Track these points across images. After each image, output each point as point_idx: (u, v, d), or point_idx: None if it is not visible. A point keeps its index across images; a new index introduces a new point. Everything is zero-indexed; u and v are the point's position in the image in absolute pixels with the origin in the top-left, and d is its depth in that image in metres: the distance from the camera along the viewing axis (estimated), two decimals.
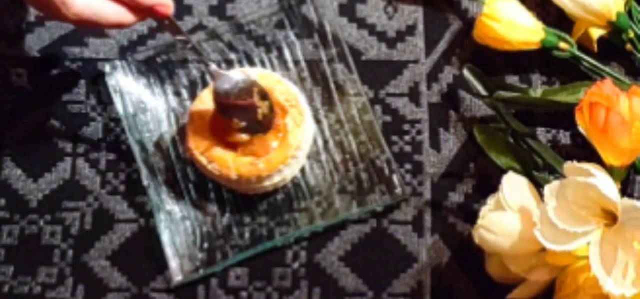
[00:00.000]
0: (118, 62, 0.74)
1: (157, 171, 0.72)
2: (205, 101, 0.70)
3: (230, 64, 0.75)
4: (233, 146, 0.68)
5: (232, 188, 0.71)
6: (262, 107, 0.67)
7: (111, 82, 0.73)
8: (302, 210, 0.71)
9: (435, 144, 0.73)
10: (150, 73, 0.75)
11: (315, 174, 0.72)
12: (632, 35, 0.71)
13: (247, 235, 0.70)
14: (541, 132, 0.72)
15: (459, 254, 0.69)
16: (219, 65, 0.68)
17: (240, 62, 0.75)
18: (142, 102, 0.74)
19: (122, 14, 0.62)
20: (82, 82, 0.75)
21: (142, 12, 0.63)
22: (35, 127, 0.74)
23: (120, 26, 0.63)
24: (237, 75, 0.67)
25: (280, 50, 0.75)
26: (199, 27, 0.77)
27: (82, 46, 0.76)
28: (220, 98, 0.67)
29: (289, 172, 0.70)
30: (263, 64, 0.75)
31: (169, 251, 0.69)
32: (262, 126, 0.68)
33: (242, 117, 0.67)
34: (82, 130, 0.74)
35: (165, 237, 0.69)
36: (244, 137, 0.68)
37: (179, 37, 0.66)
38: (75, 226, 0.71)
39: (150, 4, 0.62)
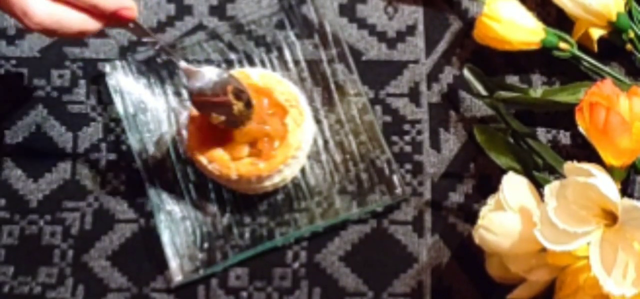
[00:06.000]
0: (118, 62, 0.74)
1: (157, 171, 0.72)
2: None
3: (230, 64, 0.75)
4: (233, 146, 0.68)
5: (232, 188, 0.71)
6: (237, 105, 0.67)
7: (111, 82, 0.74)
8: (302, 210, 0.71)
9: (435, 144, 0.73)
10: (150, 73, 0.75)
11: (315, 174, 0.72)
12: (632, 35, 0.71)
13: (247, 235, 0.70)
14: (541, 132, 0.72)
15: (459, 254, 0.69)
16: (189, 63, 0.67)
17: (240, 62, 0.75)
18: (142, 102, 0.74)
19: (85, 21, 0.61)
20: (82, 82, 0.75)
21: (106, 18, 0.61)
22: (35, 127, 0.74)
23: (83, 34, 0.61)
24: (210, 71, 0.66)
25: (280, 50, 0.75)
26: (199, 27, 0.77)
27: (82, 46, 0.76)
28: (194, 95, 0.66)
29: (289, 172, 0.70)
30: (263, 64, 0.75)
31: (169, 251, 0.69)
32: (240, 121, 0.67)
33: (220, 112, 0.66)
34: (82, 130, 0.74)
35: (165, 237, 0.69)
36: (245, 151, 0.68)
37: (146, 39, 0.65)
38: (75, 226, 0.71)
39: (113, 8, 0.61)
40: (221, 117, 0.66)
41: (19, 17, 0.58)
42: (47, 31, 0.60)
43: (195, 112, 0.69)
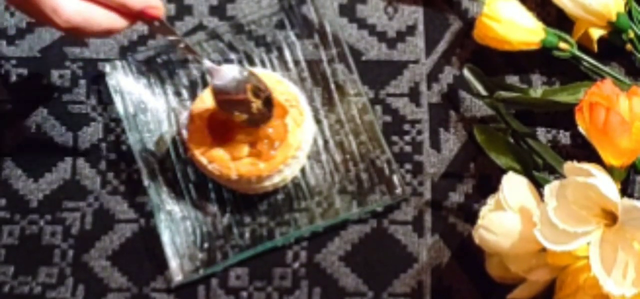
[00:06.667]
0: (118, 62, 0.74)
1: (157, 171, 0.72)
2: (206, 101, 0.70)
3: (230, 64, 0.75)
4: (233, 146, 0.68)
5: (232, 188, 0.71)
6: (256, 103, 0.67)
7: (111, 82, 0.74)
8: (302, 210, 0.71)
9: (435, 144, 0.73)
10: (150, 73, 0.75)
11: (315, 174, 0.72)
12: (632, 35, 0.71)
13: (247, 235, 0.70)
14: (541, 132, 0.72)
15: (459, 254, 0.69)
16: (216, 63, 0.67)
17: (240, 62, 0.75)
18: (142, 102, 0.74)
19: (113, 19, 0.61)
20: (82, 82, 0.75)
21: (132, 16, 0.62)
22: (35, 127, 0.74)
23: (110, 32, 0.62)
24: (233, 70, 0.67)
25: (280, 50, 0.75)
26: (199, 27, 0.77)
27: (82, 46, 0.76)
28: (217, 94, 0.67)
29: (289, 172, 0.70)
30: (263, 64, 0.75)
31: (169, 250, 0.69)
32: (260, 119, 0.68)
33: (242, 110, 0.67)
34: (82, 130, 0.74)
35: (165, 237, 0.69)
36: (245, 151, 0.68)
37: (171, 38, 0.65)
38: (75, 226, 0.71)
39: (140, 7, 0.61)
40: (243, 116, 0.66)
41: (48, 15, 0.58)
42: (75, 29, 0.60)
43: (195, 112, 0.70)
